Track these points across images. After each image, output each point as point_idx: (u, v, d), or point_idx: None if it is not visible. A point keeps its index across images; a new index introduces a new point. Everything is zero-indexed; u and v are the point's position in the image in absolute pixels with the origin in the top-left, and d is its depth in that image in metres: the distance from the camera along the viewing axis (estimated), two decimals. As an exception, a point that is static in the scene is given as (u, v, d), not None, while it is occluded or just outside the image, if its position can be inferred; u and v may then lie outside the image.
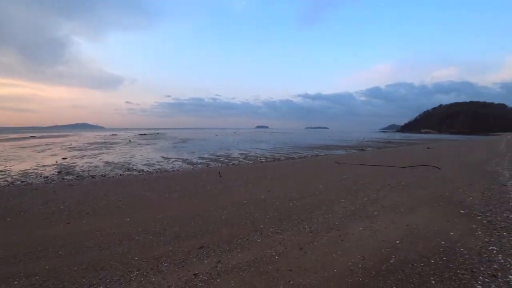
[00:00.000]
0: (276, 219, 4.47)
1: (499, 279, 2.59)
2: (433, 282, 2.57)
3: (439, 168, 9.87)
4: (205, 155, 19.04)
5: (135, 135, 65.49)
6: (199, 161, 15.77)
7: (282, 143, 36.74)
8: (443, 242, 3.44)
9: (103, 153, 21.25)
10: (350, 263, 2.94)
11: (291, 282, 2.60)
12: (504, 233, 3.70)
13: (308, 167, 11.46)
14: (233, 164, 14.29)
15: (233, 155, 19.23)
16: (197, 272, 2.80)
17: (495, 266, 2.84)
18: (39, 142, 36.51)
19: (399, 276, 2.67)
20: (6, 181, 10.04)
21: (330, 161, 13.52)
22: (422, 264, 2.89)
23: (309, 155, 19.21)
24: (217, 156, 18.72)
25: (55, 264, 3.18)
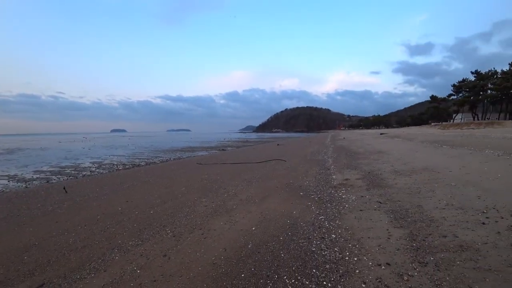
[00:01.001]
0: (136, 230, 4.20)
1: (326, 239, 3.41)
2: (282, 255, 3.08)
3: (285, 161, 11.74)
4: (44, 168, 15.50)
5: None
6: (35, 176, 12.68)
7: (142, 147, 34.44)
8: (288, 221, 4.15)
9: None
10: (213, 258, 3.12)
11: (155, 293, 2.53)
12: (328, 205, 4.85)
13: (170, 171, 11.23)
14: (84, 175, 12.29)
15: (83, 165, 16.48)
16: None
17: (323, 230, 3.70)
18: None
19: (256, 258, 3.05)
20: None
21: (192, 163, 13.72)
22: (273, 243, 3.40)
23: (172, 158, 18.83)
24: (61, 167, 15.58)
25: None
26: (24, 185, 10.38)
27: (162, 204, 5.62)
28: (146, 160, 18.52)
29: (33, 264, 3.34)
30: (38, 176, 12.73)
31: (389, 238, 3.26)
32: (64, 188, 8.09)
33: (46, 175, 12.98)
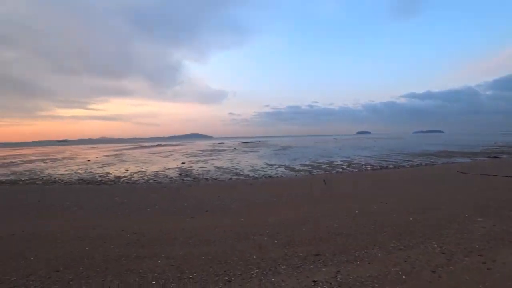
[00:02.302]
0: (396, 234, 4.03)
1: None
2: None
3: None
4: (307, 162, 18.96)
5: (239, 143, 70.84)
6: (301, 168, 15.84)
7: (388, 149, 33.25)
8: None
9: (213, 159, 23.90)
10: (506, 300, 2.40)
11: (427, 308, 2.30)
12: None
13: (423, 177, 10.06)
14: (337, 171, 13.78)
15: (335, 163, 18.49)
16: (316, 280, 2.76)
17: None
18: (163, 150, 44.99)
19: None
20: (143, 179, 12.71)
21: (451, 171, 11.53)
22: None
23: (423, 163, 16.70)
24: (319, 163, 18.38)
25: (186, 252, 3.64)
26: (294, 174, 13.23)
27: (422, 213, 5.09)
28: (393, 163, 17.72)
29: (309, 235, 4.11)
30: (303, 168, 15.77)
31: None
32: (323, 181, 9.42)
33: (308, 168, 15.78)
